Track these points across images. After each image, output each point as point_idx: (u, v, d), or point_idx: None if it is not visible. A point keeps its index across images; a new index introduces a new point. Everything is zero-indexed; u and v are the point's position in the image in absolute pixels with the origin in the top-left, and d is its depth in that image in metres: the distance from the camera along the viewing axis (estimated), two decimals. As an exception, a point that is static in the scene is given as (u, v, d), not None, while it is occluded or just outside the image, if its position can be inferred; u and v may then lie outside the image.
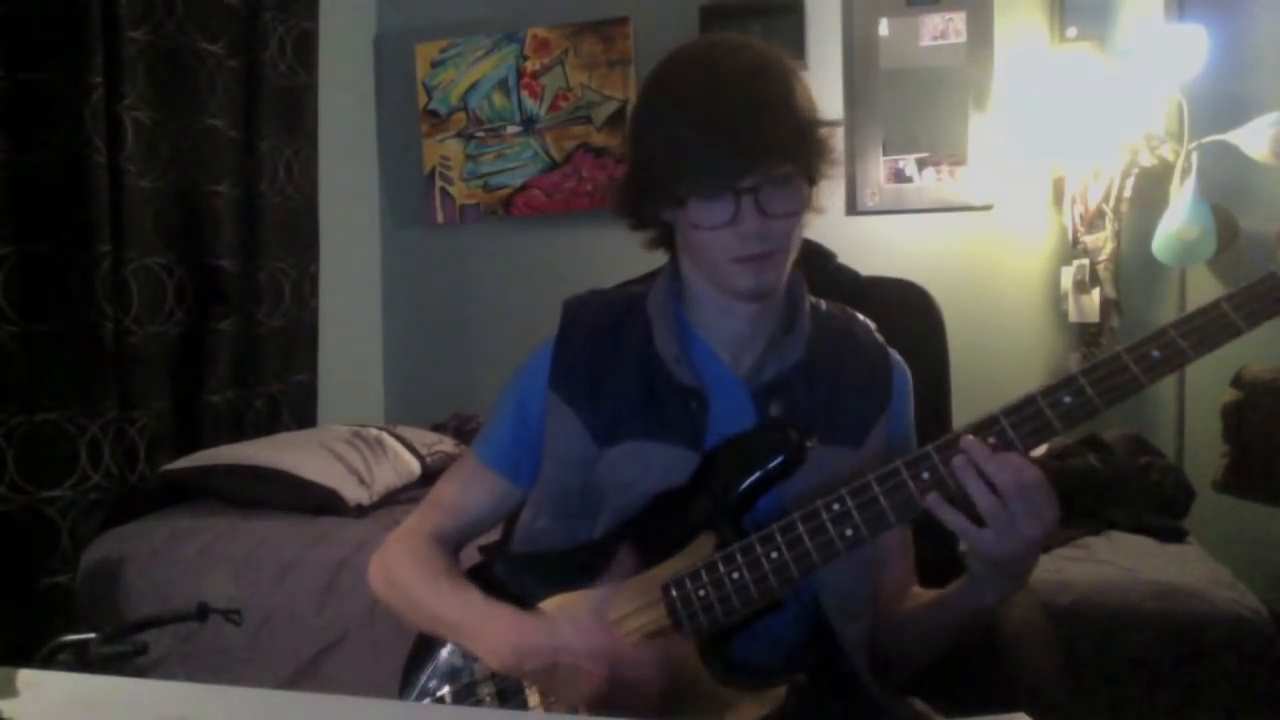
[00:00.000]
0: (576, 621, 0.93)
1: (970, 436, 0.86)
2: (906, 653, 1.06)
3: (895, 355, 1.11)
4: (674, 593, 0.93)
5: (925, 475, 0.87)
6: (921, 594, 1.08)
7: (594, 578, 0.98)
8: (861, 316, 1.13)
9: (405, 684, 1.06)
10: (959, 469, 0.86)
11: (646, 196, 1.02)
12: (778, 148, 0.94)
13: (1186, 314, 0.84)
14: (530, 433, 1.09)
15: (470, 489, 1.13)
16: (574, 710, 0.92)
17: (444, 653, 1.03)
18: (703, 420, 1.01)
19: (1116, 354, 0.85)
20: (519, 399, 1.11)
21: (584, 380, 1.06)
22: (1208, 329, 0.83)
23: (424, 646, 1.06)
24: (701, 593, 0.92)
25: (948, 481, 0.87)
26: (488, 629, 0.97)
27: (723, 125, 0.93)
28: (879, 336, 1.12)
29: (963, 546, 0.89)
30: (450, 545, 1.12)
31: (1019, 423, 0.86)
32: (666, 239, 1.08)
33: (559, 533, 1.06)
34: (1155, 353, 0.84)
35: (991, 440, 0.86)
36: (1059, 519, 0.86)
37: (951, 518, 0.86)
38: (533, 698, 0.96)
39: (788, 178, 0.96)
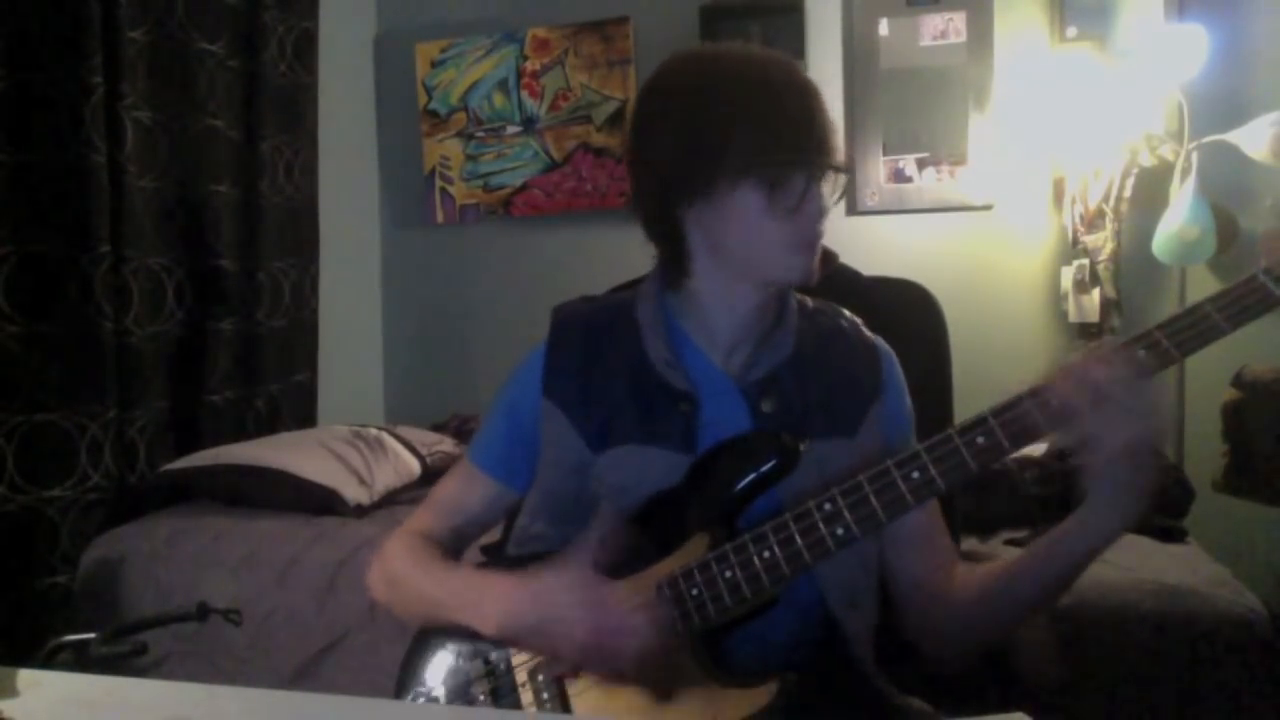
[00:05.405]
0: (569, 582, 0.92)
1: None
2: (986, 625, 1.01)
3: (882, 344, 1.12)
4: (668, 592, 0.94)
5: (915, 475, 0.89)
6: (986, 565, 1.03)
7: None
8: (848, 313, 1.14)
9: (400, 688, 1.06)
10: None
11: (693, 178, 0.99)
12: (837, 144, 1.01)
13: (1171, 316, 0.85)
14: (524, 437, 1.10)
15: (465, 492, 1.14)
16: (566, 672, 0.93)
17: (436, 655, 1.04)
18: (694, 423, 1.02)
19: None
20: (511, 404, 1.12)
21: (577, 386, 1.06)
22: (1192, 331, 0.84)
23: (417, 652, 1.07)
24: (695, 591, 0.93)
25: (938, 480, 0.88)
26: (480, 598, 0.98)
27: (813, 111, 0.98)
28: (866, 331, 1.12)
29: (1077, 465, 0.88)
30: (446, 545, 1.13)
31: (1012, 420, 0.87)
32: (675, 240, 1.05)
33: (554, 537, 1.06)
34: (1141, 353, 0.85)
35: (980, 441, 0.88)
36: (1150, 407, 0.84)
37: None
38: (525, 696, 0.96)
39: (836, 173, 1.01)
